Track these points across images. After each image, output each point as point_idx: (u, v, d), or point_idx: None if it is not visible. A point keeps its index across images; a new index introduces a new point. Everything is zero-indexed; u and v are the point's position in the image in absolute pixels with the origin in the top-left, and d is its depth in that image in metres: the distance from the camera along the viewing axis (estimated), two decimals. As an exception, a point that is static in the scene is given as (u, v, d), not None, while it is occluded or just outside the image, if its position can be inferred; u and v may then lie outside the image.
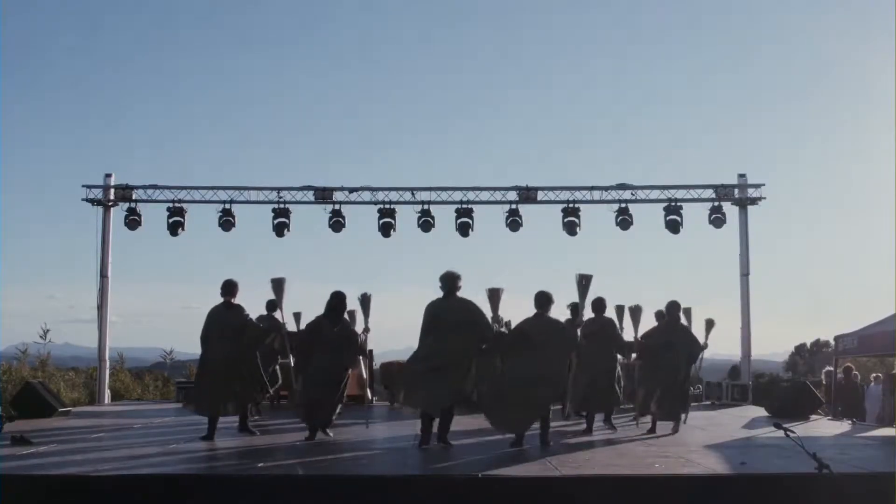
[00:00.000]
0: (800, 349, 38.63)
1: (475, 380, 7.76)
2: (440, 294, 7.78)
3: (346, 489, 5.69)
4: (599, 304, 9.49)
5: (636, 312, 9.83)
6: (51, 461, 6.64)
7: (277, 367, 10.66)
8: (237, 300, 8.57)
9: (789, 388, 13.30)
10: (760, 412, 12.06)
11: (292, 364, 9.67)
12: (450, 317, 7.64)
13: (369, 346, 10.15)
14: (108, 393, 14.92)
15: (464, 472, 6.32)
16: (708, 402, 14.15)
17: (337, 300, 8.37)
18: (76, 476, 5.90)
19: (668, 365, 9.23)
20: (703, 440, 8.27)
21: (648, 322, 9.96)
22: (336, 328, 8.29)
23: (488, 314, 7.95)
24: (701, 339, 9.63)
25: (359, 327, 8.91)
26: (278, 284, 9.33)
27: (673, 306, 9.53)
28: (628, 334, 9.88)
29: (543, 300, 7.97)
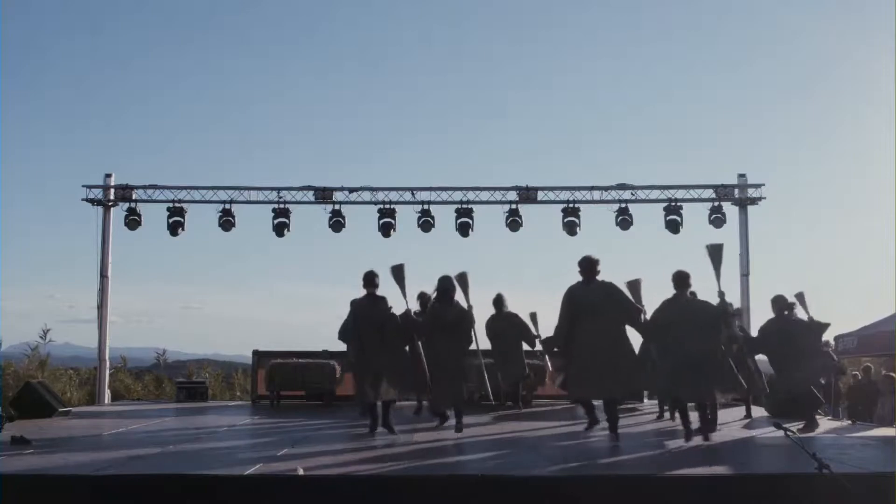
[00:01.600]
0: (800, 349, 38.51)
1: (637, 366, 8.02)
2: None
3: (347, 489, 5.69)
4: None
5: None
6: (51, 461, 6.64)
7: None
8: (381, 292, 8.55)
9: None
10: (760, 412, 12.05)
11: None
12: (595, 300, 7.74)
13: None
14: (108, 393, 14.91)
15: (464, 472, 6.33)
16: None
17: (447, 283, 8.49)
18: (76, 476, 5.90)
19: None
20: (703, 440, 8.26)
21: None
22: (453, 311, 8.42)
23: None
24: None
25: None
26: (398, 271, 8.92)
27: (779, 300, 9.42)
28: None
29: (680, 280, 7.92)
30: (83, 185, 14.74)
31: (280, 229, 14.88)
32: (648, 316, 8.27)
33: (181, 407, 13.54)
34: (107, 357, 14.87)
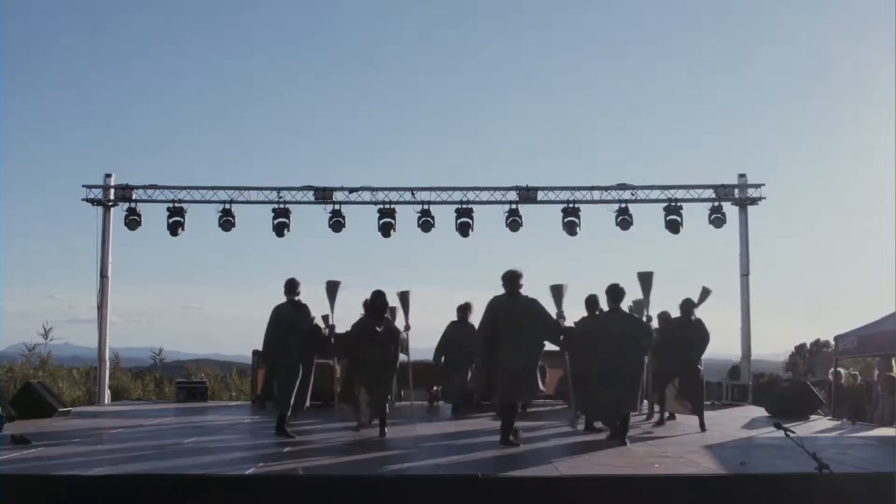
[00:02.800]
0: (800, 349, 38.64)
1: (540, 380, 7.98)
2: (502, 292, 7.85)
3: (347, 489, 5.69)
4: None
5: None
6: (51, 461, 6.64)
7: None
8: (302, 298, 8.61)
9: (789, 388, 13.29)
10: (760, 412, 12.06)
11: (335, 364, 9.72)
12: (519, 317, 7.71)
13: None
14: (108, 393, 14.91)
15: (464, 472, 6.33)
16: (708, 402, 14.14)
17: (378, 298, 8.59)
18: (76, 476, 5.90)
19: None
20: (703, 440, 8.27)
21: None
22: (380, 326, 8.51)
23: (553, 311, 8.18)
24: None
25: (399, 325, 9.15)
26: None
27: (686, 303, 9.67)
28: None
29: (615, 294, 8.08)
30: (83, 185, 14.75)
31: (280, 229, 14.87)
32: (569, 322, 8.46)
33: (181, 407, 13.53)
34: (107, 357, 14.87)
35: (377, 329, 8.49)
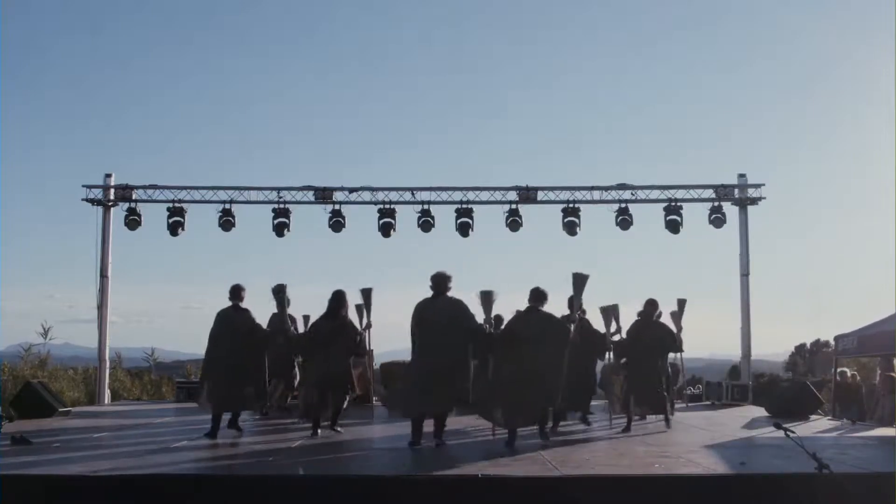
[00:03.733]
0: (800, 349, 38.62)
1: (470, 380, 7.78)
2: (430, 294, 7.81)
3: (346, 489, 5.69)
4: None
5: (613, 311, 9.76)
6: (51, 461, 6.64)
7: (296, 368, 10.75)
8: (244, 304, 8.77)
9: (789, 388, 13.30)
10: (760, 412, 12.06)
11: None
12: (439, 317, 7.67)
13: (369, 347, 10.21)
14: (107, 393, 14.91)
15: (464, 472, 6.32)
16: (708, 402, 14.16)
17: (333, 298, 8.62)
18: (76, 476, 5.90)
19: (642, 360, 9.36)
20: (703, 440, 8.27)
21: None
22: (332, 324, 8.49)
23: (480, 317, 8.00)
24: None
25: (364, 323, 9.17)
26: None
27: (649, 304, 9.60)
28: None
29: (536, 295, 7.99)
30: (83, 185, 14.78)
31: (280, 229, 14.88)
32: (497, 328, 8.41)
33: (181, 407, 13.52)
34: (107, 357, 14.89)
35: (329, 326, 8.48)
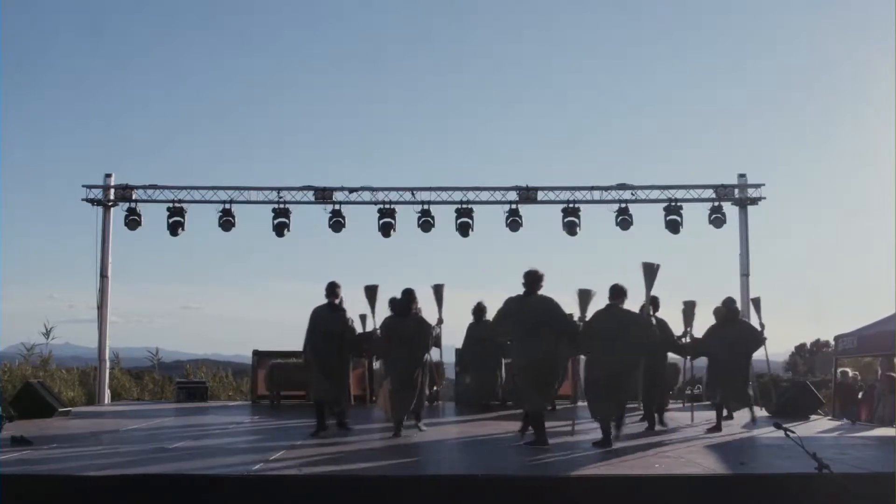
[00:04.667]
0: (800, 349, 38.63)
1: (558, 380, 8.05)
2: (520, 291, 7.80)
3: (346, 489, 5.69)
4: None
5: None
6: (51, 461, 6.64)
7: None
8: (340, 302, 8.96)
9: (789, 388, 13.29)
10: (760, 412, 12.05)
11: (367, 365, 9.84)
12: (530, 316, 7.67)
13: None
14: (107, 393, 14.91)
15: (464, 472, 6.33)
16: (708, 403, 14.13)
17: (405, 296, 8.70)
18: (76, 476, 5.90)
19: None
20: (703, 440, 8.27)
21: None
22: (409, 322, 8.59)
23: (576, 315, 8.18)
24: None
25: (433, 319, 9.17)
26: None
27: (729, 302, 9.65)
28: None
29: (616, 292, 8.02)
30: (83, 185, 14.73)
31: (280, 229, 14.87)
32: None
33: (181, 407, 13.53)
34: (107, 357, 14.86)
35: (405, 326, 8.54)
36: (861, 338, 12.33)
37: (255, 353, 14.15)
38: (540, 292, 7.79)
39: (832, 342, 13.98)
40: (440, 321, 9.33)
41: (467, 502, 5.63)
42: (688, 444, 8.01)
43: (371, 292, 9.21)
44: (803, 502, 5.40)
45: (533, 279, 7.75)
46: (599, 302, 8.97)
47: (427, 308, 9.17)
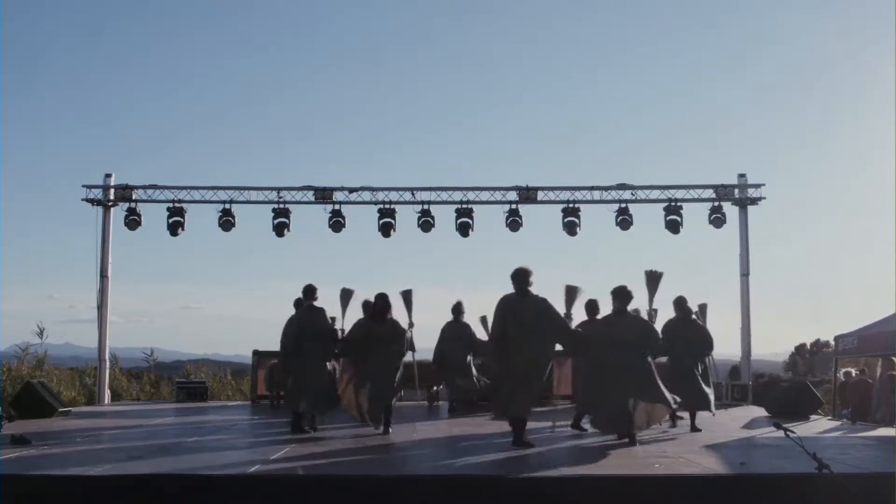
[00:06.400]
0: (800, 349, 38.70)
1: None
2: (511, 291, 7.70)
3: (346, 489, 5.69)
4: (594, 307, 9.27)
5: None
6: (51, 461, 6.64)
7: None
8: (318, 303, 9.02)
9: (789, 388, 13.29)
10: (760, 412, 12.05)
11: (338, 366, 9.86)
12: (528, 317, 7.53)
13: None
14: (107, 393, 14.91)
15: (464, 472, 6.33)
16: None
17: (381, 301, 8.76)
18: (76, 476, 5.90)
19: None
20: (703, 440, 8.26)
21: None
22: (386, 326, 8.67)
23: (562, 311, 8.13)
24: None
25: (404, 324, 9.21)
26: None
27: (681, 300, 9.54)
28: None
29: (623, 297, 8.00)
30: (83, 185, 14.75)
31: (280, 229, 14.87)
32: (573, 325, 8.42)
33: (181, 407, 13.52)
34: (107, 357, 14.88)
35: (381, 330, 8.62)
36: (861, 338, 12.34)
37: (255, 353, 14.15)
38: (534, 291, 7.67)
39: (832, 342, 13.98)
40: (411, 325, 9.48)
41: (466, 502, 5.62)
42: (688, 444, 8.01)
43: (346, 295, 9.30)
44: (803, 502, 5.39)
45: (522, 277, 7.56)
46: (598, 302, 9.00)
47: (397, 314, 9.21)
